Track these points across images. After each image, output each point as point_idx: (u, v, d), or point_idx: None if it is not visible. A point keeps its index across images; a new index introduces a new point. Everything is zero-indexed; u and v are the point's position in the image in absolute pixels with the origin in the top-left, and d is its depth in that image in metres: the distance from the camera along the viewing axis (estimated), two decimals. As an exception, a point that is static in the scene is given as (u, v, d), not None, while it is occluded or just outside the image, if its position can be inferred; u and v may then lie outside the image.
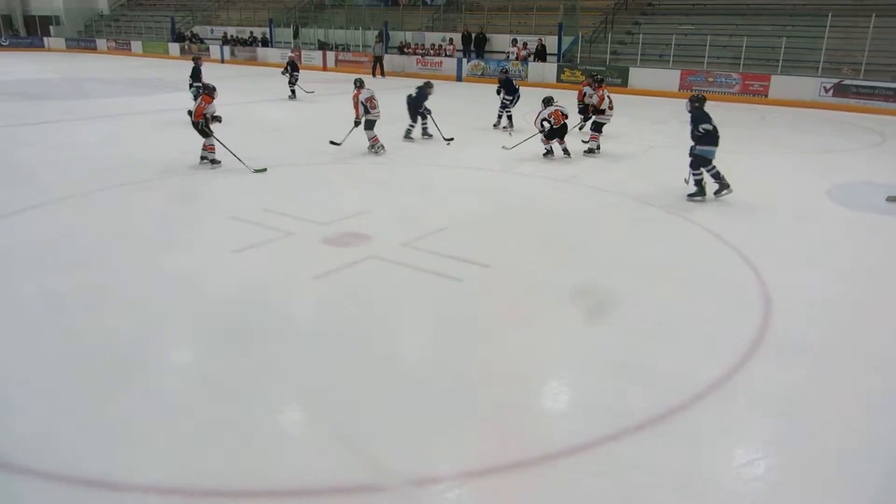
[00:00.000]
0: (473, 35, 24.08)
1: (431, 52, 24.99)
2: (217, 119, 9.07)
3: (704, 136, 7.88)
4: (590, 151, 10.70)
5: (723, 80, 18.68)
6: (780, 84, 17.81)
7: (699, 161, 7.99)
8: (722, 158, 8.06)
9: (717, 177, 8.05)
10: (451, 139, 11.39)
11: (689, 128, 8.02)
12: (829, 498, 3.19)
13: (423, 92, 11.49)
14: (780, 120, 15.38)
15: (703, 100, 8.09)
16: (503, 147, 10.85)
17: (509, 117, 12.88)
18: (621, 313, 5.13)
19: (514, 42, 22.85)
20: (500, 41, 23.86)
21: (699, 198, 8.06)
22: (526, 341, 4.67)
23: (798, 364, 4.40)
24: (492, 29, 24.47)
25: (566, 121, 10.10)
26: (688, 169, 8.17)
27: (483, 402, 3.91)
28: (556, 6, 22.93)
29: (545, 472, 3.30)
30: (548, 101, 10.15)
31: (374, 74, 24.18)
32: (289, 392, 3.99)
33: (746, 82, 18.35)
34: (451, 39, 24.73)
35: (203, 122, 8.99)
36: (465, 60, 23.65)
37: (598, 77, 11.28)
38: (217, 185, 8.66)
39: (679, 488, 3.22)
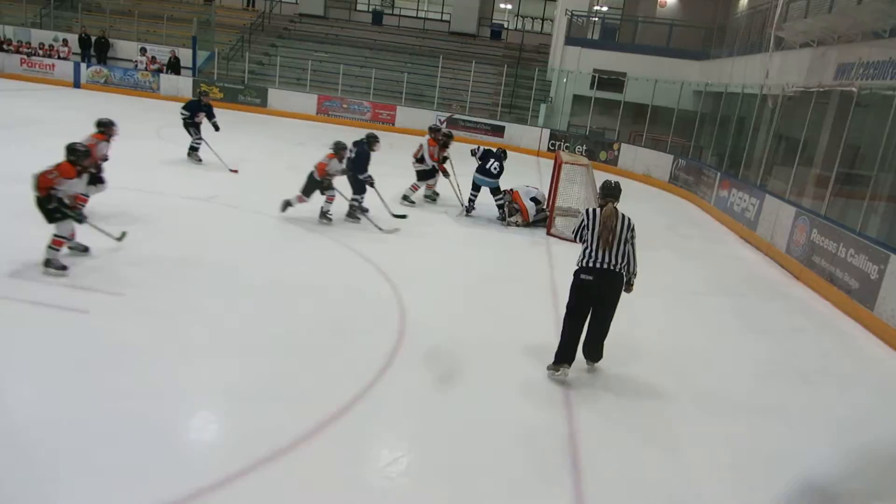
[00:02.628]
0: (94, 38, 21.61)
1: (40, 52, 21.66)
2: None
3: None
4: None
5: (356, 107, 20.08)
6: (405, 114, 19.86)
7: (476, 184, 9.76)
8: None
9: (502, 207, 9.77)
10: (405, 216, 9.33)
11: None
12: (457, 481, 3.64)
13: (366, 149, 8.74)
14: (406, 146, 17.12)
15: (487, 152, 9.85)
16: None
17: None
18: (273, 330, 5.14)
19: (143, 51, 21.17)
20: (126, 48, 21.84)
21: (467, 214, 9.85)
22: (168, 371, 4.35)
23: (431, 365, 4.95)
24: (116, 34, 22.27)
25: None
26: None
27: (123, 448, 3.52)
28: (189, 18, 21.95)
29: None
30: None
31: (-41, 71, 20.08)
32: None
33: (377, 111, 20.02)
34: (65, 40, 21.77)
35: None
36: (84, 65, 21.06)
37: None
38: None
39: (338, 496, 3.36)
